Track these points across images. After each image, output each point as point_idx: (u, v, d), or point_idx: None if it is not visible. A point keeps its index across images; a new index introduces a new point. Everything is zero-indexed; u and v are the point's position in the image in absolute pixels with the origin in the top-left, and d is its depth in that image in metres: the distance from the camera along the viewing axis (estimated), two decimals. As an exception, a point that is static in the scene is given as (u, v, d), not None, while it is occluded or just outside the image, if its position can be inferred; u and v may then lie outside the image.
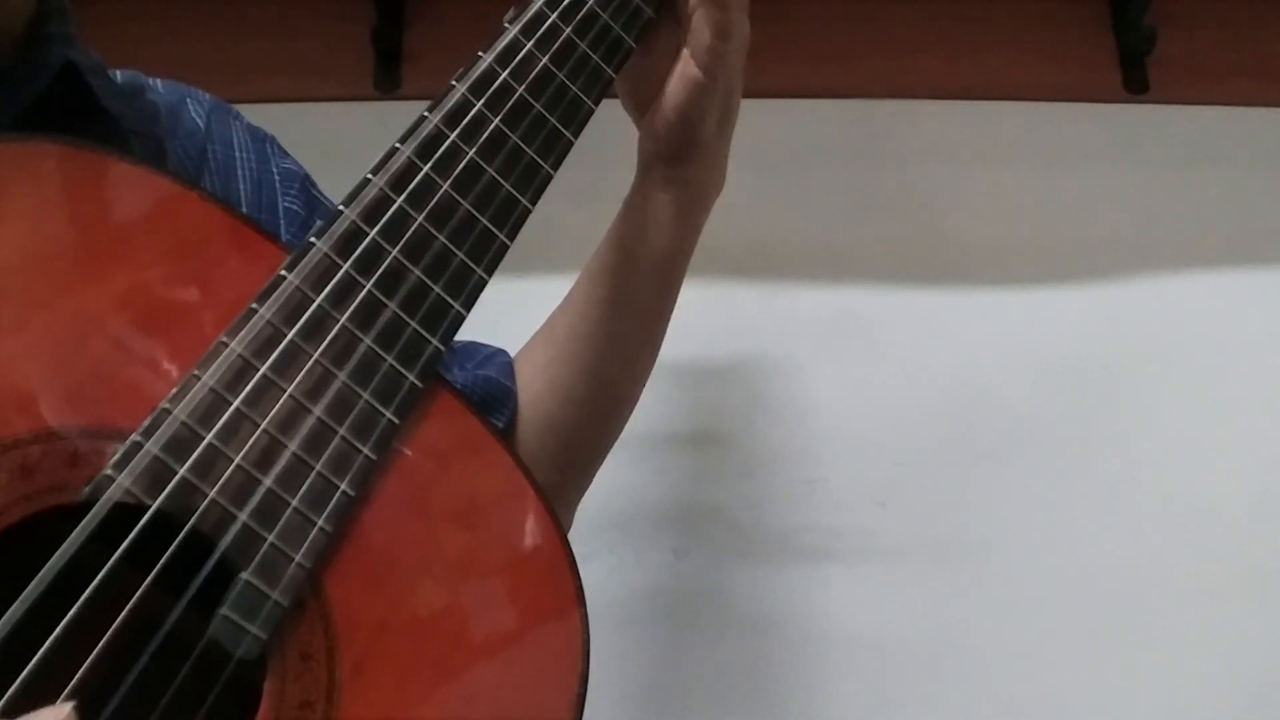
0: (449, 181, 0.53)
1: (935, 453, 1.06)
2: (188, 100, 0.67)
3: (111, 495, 0.42)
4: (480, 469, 0.52)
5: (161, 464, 0.43)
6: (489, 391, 0.67)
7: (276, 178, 0.68)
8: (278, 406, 0.46)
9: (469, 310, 0.53)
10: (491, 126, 0.55)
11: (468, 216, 0.53)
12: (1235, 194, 1.14)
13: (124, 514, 0.42)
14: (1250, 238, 1.13)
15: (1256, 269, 1.12)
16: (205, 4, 1.17)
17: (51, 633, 0.39)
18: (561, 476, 0.69)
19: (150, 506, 0.43)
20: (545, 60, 0.57)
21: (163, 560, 0.42)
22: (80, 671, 0.40)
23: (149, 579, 0.42)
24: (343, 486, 0.47)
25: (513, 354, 0.72)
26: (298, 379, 0.47)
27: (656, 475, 1.05)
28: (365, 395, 0.49)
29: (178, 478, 0.43)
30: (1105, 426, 1.07)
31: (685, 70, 0.64)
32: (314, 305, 0.48)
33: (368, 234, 0.50)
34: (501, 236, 0.54)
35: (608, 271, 0.68)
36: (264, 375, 0.46)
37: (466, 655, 0.48)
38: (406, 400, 0.50)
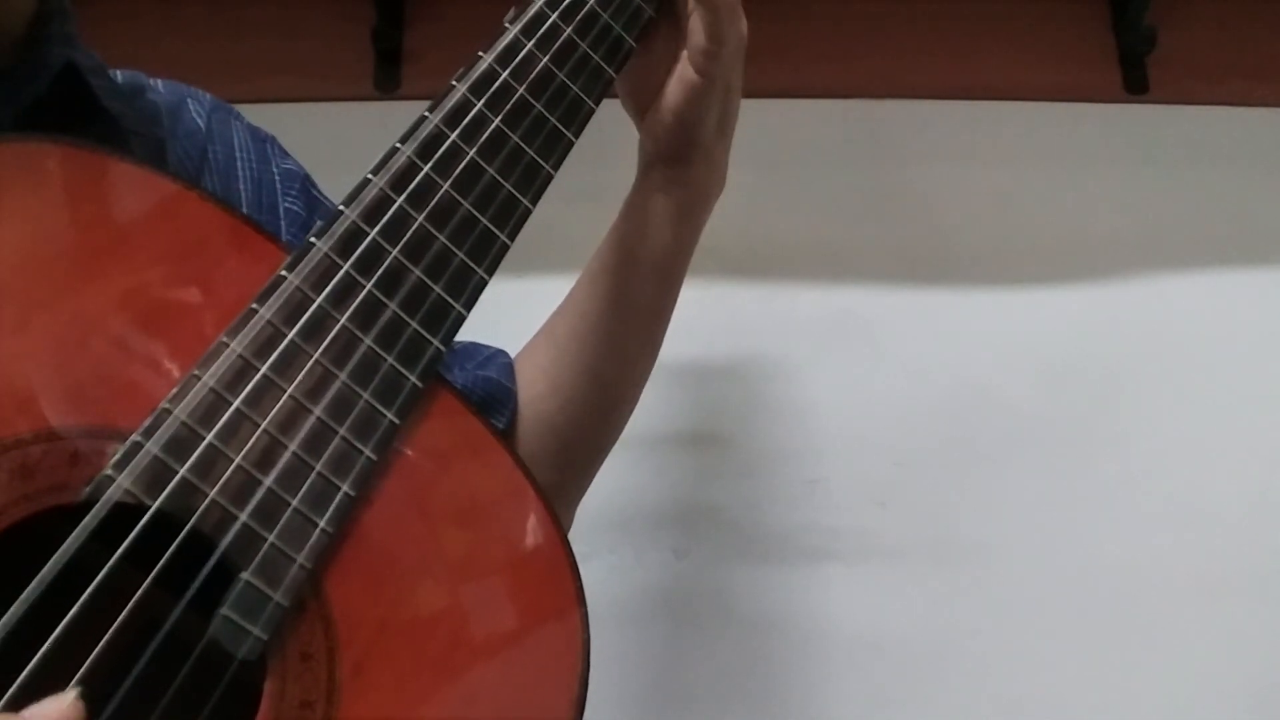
0: (449, 182, 0.53)
1: (935, 453, 1.06)
2: (188, 100, 0.67)
3: (112, 495, 0.42)
4: (481, 469, 0.52)
5: (162, 464, 0.43)
6: (489, 392, 0.67)
7: (277, 178, 0.68)
8: (278, 407, 0.46)
9: (470, 310, 0.53)
10: (492, 127, 0.55)
11: (468, 217, 0.53)
12: (1235, 194, 1.14)
13: (124, 514, 0.42)
14: (1250, 238, 1.13)
15: (1256, 269, 1.12)
16: (205, 4, 1.16)
17: (52, 633, 0.39)
18: (562, 476, 0.69)
19: (150, 506, 0.43)
20: (546, 60, 0.57)
21: (163, 560, 0.42)
22: (81, 671, 0.40)
23: (149, 579, 0.42)
24: (343, 487, 0.47)
25: (513, 354, 0.72)
26: (298, 379, 0.47)
27: (656, 475, 1.05)
28: (366, 395, 0.49)
29: (178, 478, 0.43)
30: (1105, 426, 1.07)
31: (683, 73, 0.64)
32: (314, 305, 0.48)
33: (368, 234, 0.50)
34: (502, 237, 0.54)
35: (608, 272, 0.68)
36: (264, 375, 0.46)
37: (467, 655, 0.48)
38: (407, 400, 0.49)
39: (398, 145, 0.53)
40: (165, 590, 0.42)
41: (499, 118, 0.55)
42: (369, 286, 0.50)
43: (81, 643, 0.39)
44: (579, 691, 0.49)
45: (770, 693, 1.00)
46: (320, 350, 0.48)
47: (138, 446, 0.43)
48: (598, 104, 0.59)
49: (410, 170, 0.52)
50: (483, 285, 0.53)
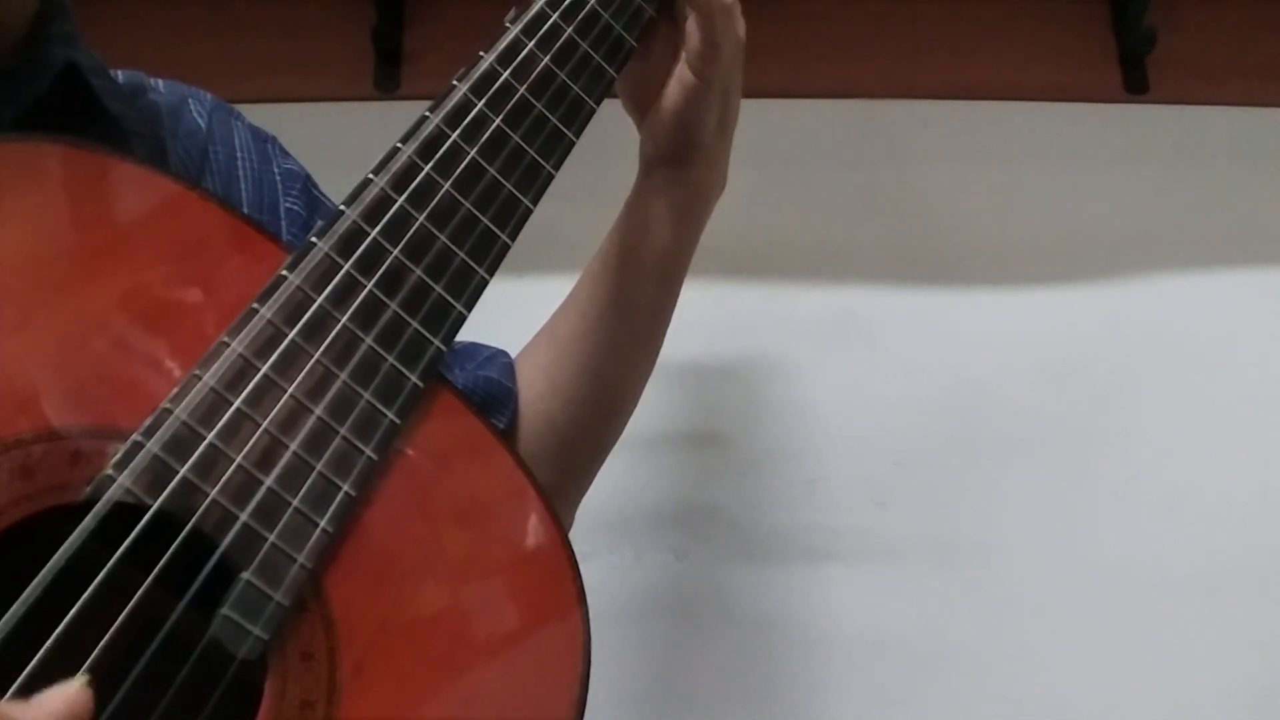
0: (450, 181, 0.53)
1: (935, 453, 1.06)
2: (189, 101, 0.67)
3: (112, 495, 0.42)
4: (482, 469, 0.52)
5: (162, 464, 0.43)
6: (490, 392, 0.67)
7: (278, 178, 0.68)
8: (279, 406, 0.46)
9: (470, 310, 0.53)
10: (493, 126, 0.55)
11: (469, 216, 0.53)
12: (1235, 194, 1.14)
13: (125, 514, 0.42)
14: (1250, 238, 1.13)
15: (1256, 269, 1.12)
16: (205, 4, 1.16)
17: (53, 632, 0.39)
18: (562, 476, 0.69)
19: (151, 506, 0.43)
20: (547, 60, 0.57)
21: (164, 560, 0.42)
22: (82, 670, 0.40)
23: (150, 579, 0.42)
24: (344, 487, 0.47)
25: (513, 354, 0.72)
26: (299, 379, 0.47)
27: (656, 475, 1.05)
28: (366, 395, 0.49)
29: (178, 478, 0.43)
30: (1105, 426, 1.07)
31: (682, 75, 0.64)
32: (315, 305, 0.48)
33: (369, 234, 0.50)
34: (503, 237, 0.54)
35: (609, 272, 0.68)
36: (265, 375, 0.46)
37: (467, 655, 0.48)
38: (408, 400, 0.50)
39: (399, 145, 0.53)
40: (166, 590, 0.42)
41: (500, 118, 0.55)
42: (370, 286, 0.50)
43: (82, 642, 0.40)
44: (579, 691, 0.49)
45: (770, 693, 1.00)
46: (321, 350, 0.48)
47: (138, 446, 0.43)
48: (599, 104, 0.59)
49: (411, 170, 0.52)
50: (484, 285, 0.53)
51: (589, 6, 0.59)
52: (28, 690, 0.38)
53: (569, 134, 0.58)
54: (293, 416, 0.47)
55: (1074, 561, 1.03)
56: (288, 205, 0.67)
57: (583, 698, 0.49)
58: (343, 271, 0.49)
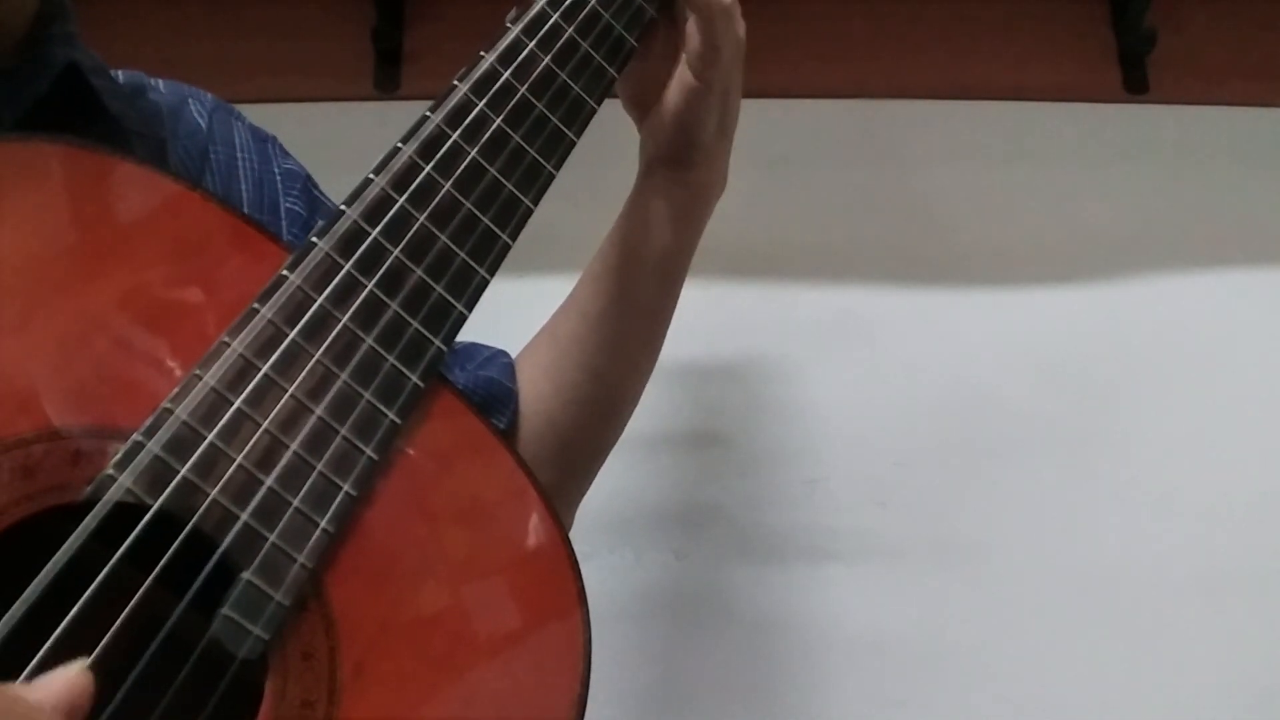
0: (451, 181, 0.53)
1: (935, 453, 1.06)
2: (189, 101, 0.67)
3: (113, 495, 0.42)
4: (482, 469, 0.52)
5: (163, 464, 0.43)
6: (490, 392, 0.67)
7: (278, 178, 0.68)
8: (279, 406, 0.46)
9: (471, 310, 0.53)
10: (494, 126, 0.55)
11: (470, 216, 0.53)
12: (1235, 194, 1.14)
13: (125, 513, 0.42)
14: (1250, 238, 1.13)
15: (1256, 269, 1.12)
16: (205, 4, 1.16)
17: (53, 632, 0.39)
18: (563, 476, 0.69)
19: (152, 506, 0.43)
20: (547, 60, 0.57)
21: (164, 560, 0.42)
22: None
23: (150, 578, 0.42)
24: (345, 487, 0.47)
25: (513, 354, 0.72)
26: (299, 379, 0.47)
27: (656, 475, 1.05)
28: (367, 395, 0.49)
29: (179, 477, 0.43)
30: (1105, 426, 1.07)
31: (682, 77, 0.64)
32: (315, 305, 0.48)
33: (369, 234, 0.50)
34: (504, 237, 0.54)
35: (610, 272, 0.68)
36: (265, 375, 0.46)
37: (468, 655, 0.48)
38: (408, 400, 0.50)
39: (399, 145, 0.53)
40: (167, 590, 0.42)
41: (501, 118, 0.55)
42: (370, 286, 0.50)
43: (83, 642, 0.39)
44: (580, 691, 0.49)
45: (770, 693, 1.00)
46: (321, 350, 0.48)
47: (139, 446, 0.43)
48: (599, 104, 0.59)
49: (412, 170, 0.52)
50: (484, 285, 0.53)
51: (590, 7, 0.59)
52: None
53: (570, 134, 0.58)
54: (293, 416, 0.47)
55: (1074, 561, 1.03)
56: (288, 205, 0.67)
57: (583, 697, 0.49)
58: (343, 271, 0.49)
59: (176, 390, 0.45)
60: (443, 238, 0.52)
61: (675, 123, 0.65)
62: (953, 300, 1.11)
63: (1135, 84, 1.17)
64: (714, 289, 1.07)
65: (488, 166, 0.54)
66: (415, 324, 0.51)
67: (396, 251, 0.51)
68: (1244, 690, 1.00)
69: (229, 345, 0.46)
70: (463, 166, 0.53)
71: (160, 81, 0.67)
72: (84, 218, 0.46)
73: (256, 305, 0.47)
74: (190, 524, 0.43)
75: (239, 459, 0.45)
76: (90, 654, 0.39)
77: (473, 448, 0.52)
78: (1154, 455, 1.06)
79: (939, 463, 1.06)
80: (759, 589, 1.03)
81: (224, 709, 0.43)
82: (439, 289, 0.52)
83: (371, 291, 0.50)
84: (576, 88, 0.58)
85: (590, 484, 0.73)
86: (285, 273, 0.48)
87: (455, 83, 0.55)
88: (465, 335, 0.56)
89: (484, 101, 0.55)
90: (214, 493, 0.44)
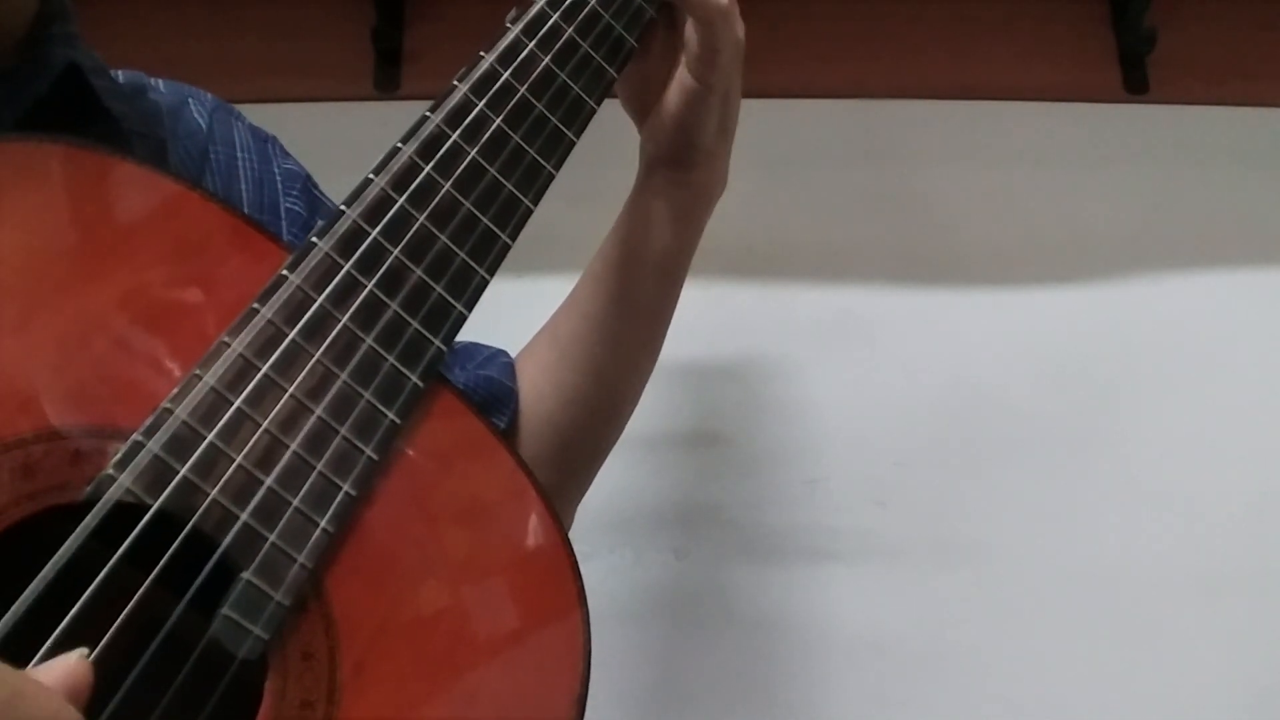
0: (451, 182, 0.53)
1: (935, 453, 1.06)
2: (190, 101, 0.67)
3: (113, 495, 0.42)
4: (482, 469, 0.52)
5: (163, 463, 0.43)
6: (491, 392, 0.67)
7: (278, 178, 0.68)
8: (279, 406, 0.46)
9: (471, 310, 0.53)
10: (493, 127, 0.55)
11: (470, 217, 0.53)
12: (1235, 194, 1.14)
13: (125, 513, 0.42)
14: (1250, 238, 1.13)
15: (1256, 269, 1.12)
16: (205, 4, 1.16)
17: (53, 632, 0.39)
18: (562, 476, 0.69)
19: (152, 506, 0.43)
20: (547, 60, 0.57)
21: (164, 560, 0.42)
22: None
23: (150, 578, 0.42)
24: (345, 487, 0.47)
25: (513, 354, 0.72)
26: (299, 379, 0.47)
27: (656, 475, 1.05)
28: (367, 395, 0.49)
29: (179, 477, 0.43)
30: (1105, 426, 1.07)
31: (682, 79, 0.64)
32: (315, 305, 0.48)
33: (369, 234, 0.50)
34: (503, 237, 0.54)
35: (611, 272, 0.68)
36: (265, 375, 0.46)
37: (468, 655, 0.48)
38: (408, 400, 0.50)
39: (399, 145, 0.53)
40: (166, 590, 0.42)
41: (500, 118, 0.55)
42: (370, 286, 0.50)
43: (83, 642, 0.39)
44: (580, 691, 0.49)
45: (770, 693, 1.00)
46: (321, 350, 0.48)
47: (139, 446, 0.43)
48: (599, 104, 0.59)
49: (412, 170, 0.52)
50: (484, 285, 0.53)
51: (589, 7, 0.59)
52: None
53: (569, 134, 0.58)
54: (293, 416, 0.47)
55: (1074, 561, 1.03)
56: (288, 205, 0.67)
57: (583, 697, 0.49)
58: (343, 271, 0.49)
59: (176, 390, 0.45)
60: (442, 238, 0.52)
61: (675, 124, 0.65)
62: (953, 300, 1.11)
63: (1135, 84, 1.17)
64: (714, 289, 1.08)
65: (487, 167, 0.54)
66: (415, 324, 0.51)
67: (396, 251, 0.51)
68: (1244, 690, 1.00)
69: (229, 345, 0.46)
70: (462, 166, 0.53)
71: (160, 81, 0.67)
72: (84, 218, 0.46)
73: (256, 305, 0.47)
74: (190, 524, 0.43)
75: (239, 459, 0.45)
76: (90, 655, 0.39)
77: (473, 448, 0.52)
78: (1154, 455, 1.06)
79: (939, 463, 1.06)
80: (759, 589, 1.03)
81: (224, 709, 0.43)
82: (439, 289, 0.52)
83: (371, 291, 0.50)
84: (576, 88, 0.58)
85: (590, 484, 0.73)
86: (285, 273, 0.48)
87: (455, 83, 0.55)
88: (465, 335, 0.56)
89: (484, 102, 0.55)
90: (214, 493, 0.44)
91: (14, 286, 0.44)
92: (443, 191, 0.53)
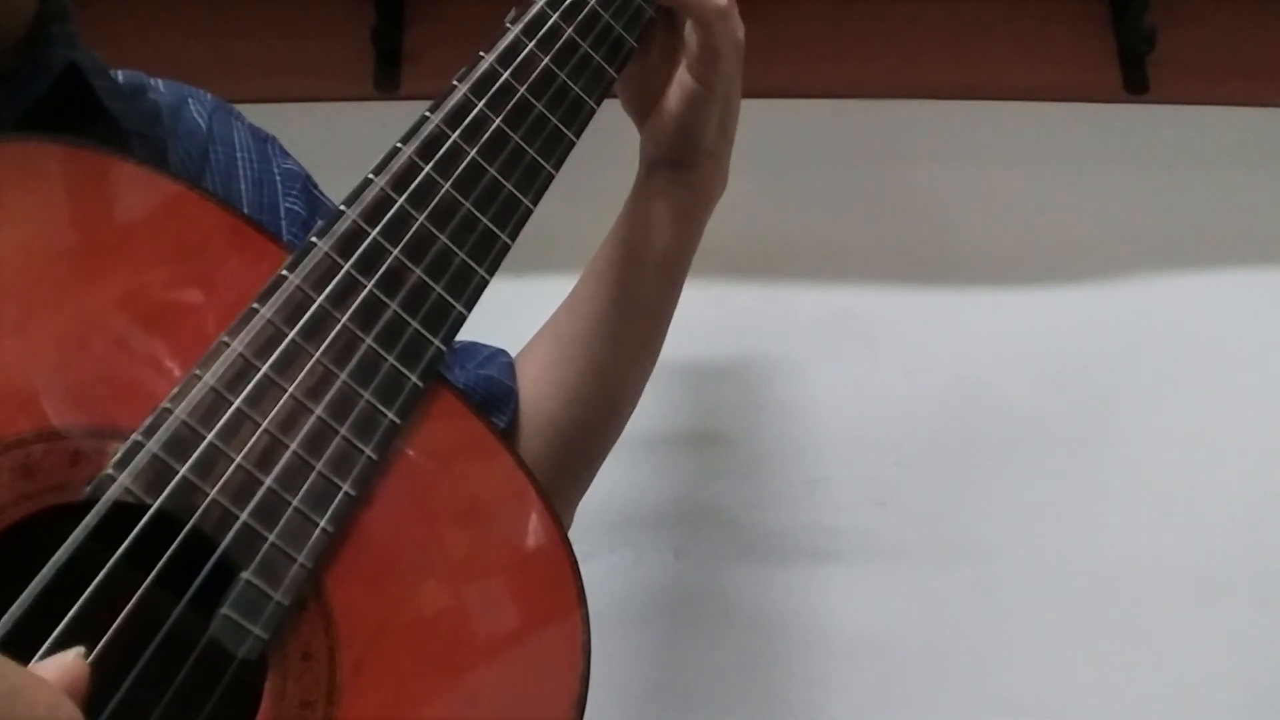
0: (450, 182, 0.53)
1: (935, 453, 1.06)
2: (189, 100, 0.67)
3: (112, 494, 0.42)
4: (482, 470, 0.52)
5: (162, 463, 0.43)
6: (490, 391, 0.67)
7: (278, 178, 0.68)
8: (279, 406, 0.46)
9: (470, 310, 0.53)
10: (493, 127, 0.55)
11: (469, 217, 0.53)
12: (1235, 194, 1.14)
13: (125, 513, 0.42)
14: (1250, 238, 1.13)
15: (1256, 269, 1.12)
16: (205, 4, 1.16)
17: (52, 632, 0.39)
18: (563, 476, 0.69)
19: (151, 506, 0.43)
20: (547, 60, 0.57)
21: (163, 560, 0.42)
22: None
23: (150, 578, 0.42)
24: (344, 487, 0.47)
25: (513, 354, 0.72)
26: (299, 379, 0.47)
27: (656, 475, 1.05)
28: (366, 395, 0.49)
29: (178, 477, 0.43)
30: (1105, 426, 1.07)
31: (683, 80, 0.64)
32: (315, 305, 0.48)
33: (369, 234, 0.50)
34: (503, 237, 0.54)
35: (611, 271, 0.68)
36: (265, 375, 0.46)
37: (468, 655, 0.48)
38: (408, 400, 0.50)
39: (399, 145, 0.53)
40: (166, 590, 0.42)
41: (500, 118, 0.55)
42: (370, 286, 0.50)
43: (82, 642, 0.39)
44: (580, 691, 0.49)
45: (770, 693, 1.00)
46: (321, 350, 0.48)
47: (138, 446, 0.43)
48: (599, 104, 0.59)
49: (411, 170, 0.52)
50: (484, 285, 0.53)
51: (589, 7, 0.59)
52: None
53: (569, 134, 0.58)
54: (293, 416, 0.47)
55: (1074, 561, 1.03)
56: (288, 205, 0.67)
57: (583, 697, 0.49)
58: (343, 271, 0.49)
59: (176, 390, 0.45)
60: (442, 238, 0.52)
61: (676, 125, 0.65)
62: (953, 300, 1.11)
63: (1135, 84, 1.17)
64: (714, 289, 1.08)
65: (487, 167, 0.54)
66: (414, 324, 0.51)
67: (396, 251, 0.51)
68: (1244, 690, 1.00)
69: (228, 345, 0.46)
70: (462, 166, 0.53)
71: (160, 81, 0.67)
72: (83, 218, 0.46)
73: (256, 305, 0.47)
74: (190, 524, 0.43)
75: (238, 459, 0.45)
76: (90, 655, 0.39)
77: (472, 448, 0.52)
78: (1154, 455, 1.06)
79: (939, 463, 1.06)
80: (759, 589, 1.03)
81: (223, 709, 0.43)
82: (438, 289, 0.52)
83: (371, 291, 0.50)
84: (576, 88, 0.58)
85: (590, 483, 0.73)
86: (285, 273, 0.48)
87: (455, 83, 0.55)
88: (465, 335, 0.56)
89: (483, 102, 0.55)
90: (213, 492, 0.44)
91: (14, 286, 0.44)
92: (442, 191, 0.53)
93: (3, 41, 0.55)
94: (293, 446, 0.46)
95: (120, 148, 0.55)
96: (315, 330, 0.48)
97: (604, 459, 0.73)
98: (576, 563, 0.51)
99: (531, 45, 0.57)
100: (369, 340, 0.49)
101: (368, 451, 0.48)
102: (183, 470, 0.44)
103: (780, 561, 1.03)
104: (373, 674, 0.45)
